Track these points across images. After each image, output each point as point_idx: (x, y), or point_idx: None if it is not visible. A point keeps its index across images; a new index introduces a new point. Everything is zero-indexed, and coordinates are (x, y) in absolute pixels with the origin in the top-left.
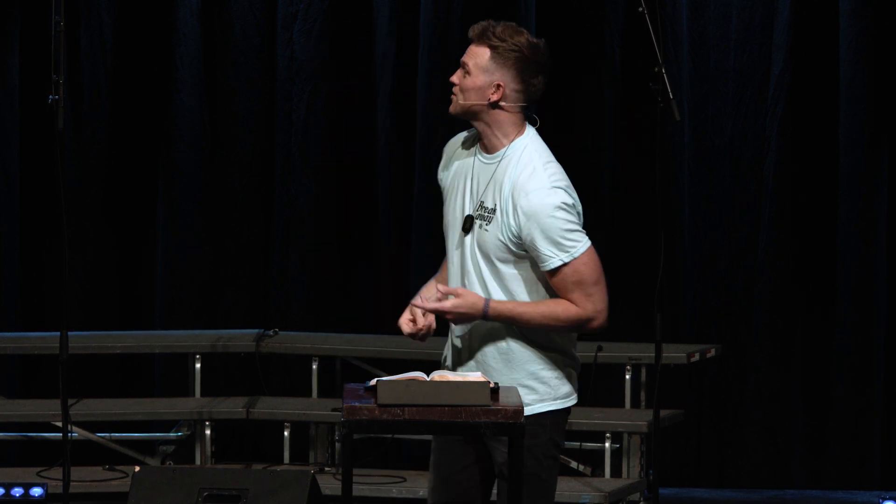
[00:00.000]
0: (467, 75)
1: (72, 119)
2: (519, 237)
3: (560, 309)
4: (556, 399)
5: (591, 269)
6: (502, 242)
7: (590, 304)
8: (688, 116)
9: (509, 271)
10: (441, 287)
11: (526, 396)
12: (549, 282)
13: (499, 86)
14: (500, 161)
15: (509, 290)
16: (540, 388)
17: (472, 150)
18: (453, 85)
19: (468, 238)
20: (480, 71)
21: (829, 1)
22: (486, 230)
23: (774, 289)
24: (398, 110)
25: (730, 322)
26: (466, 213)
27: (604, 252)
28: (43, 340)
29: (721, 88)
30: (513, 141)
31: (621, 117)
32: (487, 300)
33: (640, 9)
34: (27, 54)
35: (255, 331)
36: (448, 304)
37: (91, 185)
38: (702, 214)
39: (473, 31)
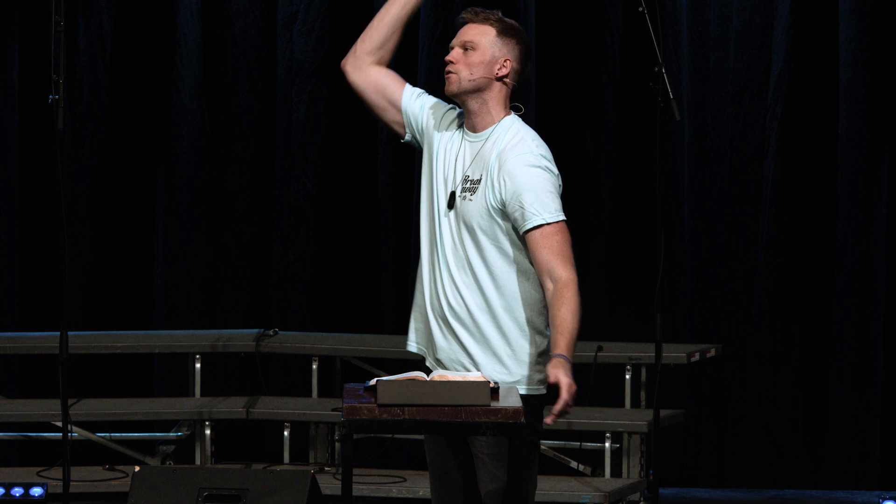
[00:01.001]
0: (472, 51)
1: (71, 119)
2: (503, 202)
3: (567, 294)
4: (533, 384)
5: (568, 238)
6: (486, 208)
7: (568, 267)
8: (688, 116)
9: (490, 246)
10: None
11: (501, 376)
12: (529, 244)
13: (506, 61)
14: (487, 138)
15: (488, 264)
16: (516, 369)
17: (459, 129)
18: (449, 65)
19: (452, 214)
20: (489, 45)
21: (829, 1)
22: (471, 200)
23: (774, 289)
24: None
25: (730, 322)
26: (450, 190)
27: (604, 252)
28: (43, 340)
29: (721, 88)
30: (501, 119)
31: (621, 117)
32: (559, 355)
33: (640, 9)
34: (27, 54)
35: (255, 331)
36: (564, 390)
37: (91, 185)
38: (702, 214)
39: (471, 12)
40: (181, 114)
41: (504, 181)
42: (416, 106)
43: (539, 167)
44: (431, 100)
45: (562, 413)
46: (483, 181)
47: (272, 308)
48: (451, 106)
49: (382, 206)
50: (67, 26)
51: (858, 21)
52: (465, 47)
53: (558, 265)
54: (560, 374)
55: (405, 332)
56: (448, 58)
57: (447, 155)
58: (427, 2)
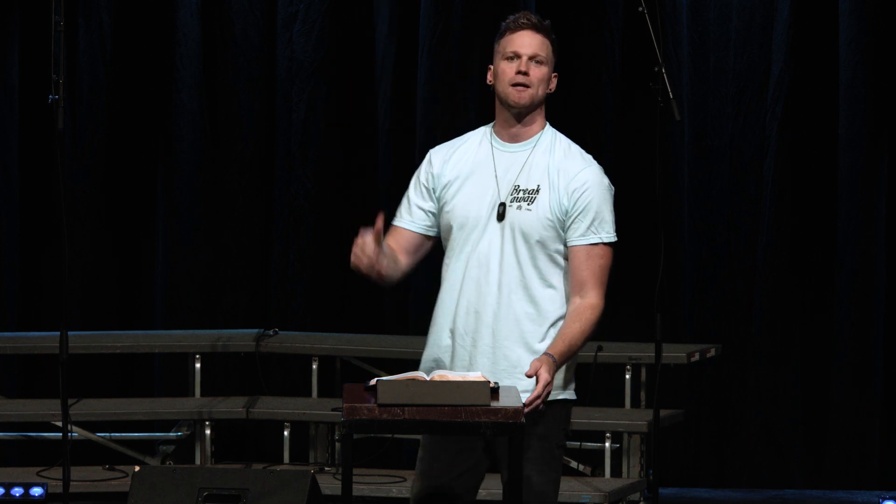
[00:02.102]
0: (541, 66)
1: (71, 119)
2: (565, 211)
3: (587, 315)
4: (570, 389)
5: (610, 264)
6: (549, 219)
7: (601, 293)
8: (688, 116)
9: (543, 255)
10: (528, 372)
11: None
12: (573, 256)
13: (555, 76)
14: (534, 146)
15: (542, 273)
16: (560, 374)
17: (478, 147)
18: (523, 77)
19: (501, 225)
20: (548, 61)
21: (829, 1)
22: (529, 210)
23: (774, 289)
24: (398, 110)
25: (730, 322)
26: (500, 201)
27: None
28: (43, 340)
29: (721, 88)
30: (544, 127)
31: (621, 117)
32: (550, 355)
33: (640, 9)
34: (27, 54)
35: (255, 331)
36: (541, 384)
37: (91, 185)
38: (702, 214)
39: (530, 20)
40: (181, 114)
41: (571, 191)
42: (429, 209)
43: (606, 184)
44: (420, 187)
45: (533, 408)
46: (544, 191)
47: (272, 308)
48: (453, 142)
49: (382, 206)
50: (67, 26)
51: (858, 21)
52: (536, 60)
53: (593, 288)
54: (542, 370)
55: (405, 332)
56: (523, 69)
57: (485, 171)
58: (427, 2)
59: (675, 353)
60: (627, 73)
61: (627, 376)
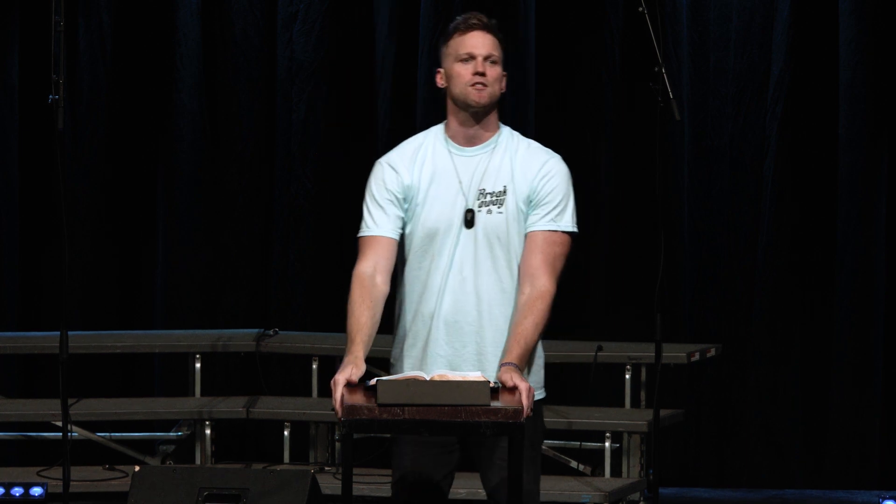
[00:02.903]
0: (495, 65)
1: (71, 119)
2: (529, 197)
3: (539, 307)
4: (542, 388)
5: (566, 253)
6: (522, 211)
7: (553, 279)
8: (688, 116)
9: (519, 250)
10: (506, 385)
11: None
12: (529, 242)
13: (505, 75)
14: (493, 147)
15: (513, 271)
16: (532, 374)
17: (433, 152)
18: (481, 77)
19: (471, 232)
20: (500, 61)
21: (829, 1)
22: (500, 212)
23: (774, 289)
24: (398, 110)
25: (730, 322)
26: (466, 207)
27: (604, 252)
28: (43, 340)
29: (721, 88)
30: (500, 128)
31: (621, 117)
32: (508, 363)
33: (640, 9)
34: (27, 54)
35: (255, 331)
36: (525, 394)
37: (91, 185)
38: (702, 214)
39: (481, 20)
40: (181, 114)
41: (535, 178)
42: (401, 216)
43: (568, 175)
44: (389, 195)
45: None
46: (510, 190)
47: (272, 308)
48: (403, 148)
49: None
50: (67, 26)
51: (858, 21)
52: (491, 60)
53: (545, 273)
54: (517, 379)
55: None
56: (480, 69)
57: (447, 180)
58: (427, 2)
59: (675, 353)
60: (627, 73)
61: (627, 376)
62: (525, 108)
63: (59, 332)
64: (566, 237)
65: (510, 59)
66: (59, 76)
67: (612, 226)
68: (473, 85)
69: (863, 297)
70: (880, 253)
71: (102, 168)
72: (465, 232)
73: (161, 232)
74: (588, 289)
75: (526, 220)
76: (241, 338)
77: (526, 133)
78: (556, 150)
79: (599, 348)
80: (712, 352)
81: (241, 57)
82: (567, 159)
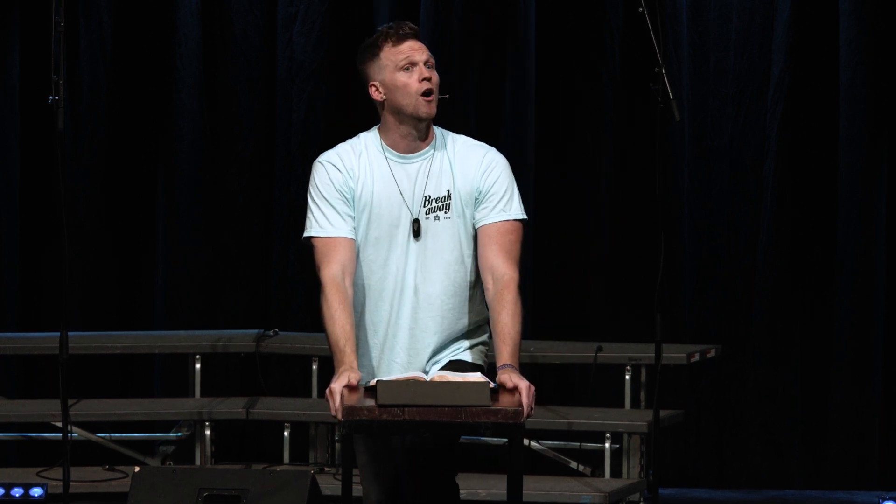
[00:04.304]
0: (433, 70)
1: (71, 119)
2: (474, 194)
3: (508, 299)
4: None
5: (521, 238)
6: (467, 211)
7: (515, 267)
8: (688, 116)
9: (472, 257)
10: (506, 387)
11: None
12: (483, 236)
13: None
14: (433, 153)
15: (469, 273)
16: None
17: (371, 160)
18: (430, 84)
19: (420, 242)
20: (435, 66)
21: (829, 1)
22: (448, 217)
23: (774, 289)
24: None
25: (730, 322)
26: (412, 218)
27: (604, 252)
28: (43, 341)
29: (721, 88)
30: (434, 132)
31: (621, 117)
32: (507, 365)
33: (640, 9)
34: (27, 54)
35: (255, 331)
36: (525, 393)
37: (91, 186)
38: (702, 215)
39: (413, 28)
40: (181, 114)
41: (478, 175)
42: (351, 211)
43: (507, 165)
44: (338, 194)
45: (527, 416)
46: (453, 194)
47: (272, 308)
48: (342, 150)
49: None
50: (67, 26)
51: (858, 21)
52: (430, 66)
53: (504, 263)
54: (516, 380)
55: None
56: (426, 75)
57: (388, 189)
58: (427, 2)
59: (675, 354)
60: (627, 73)
61: (627, 377)
62: (525, 108)
63: (59, 333)
64: (518, 224)
65: (510, 58)
66: (60, 76)
67: (612, 226)
68: (424, 94)
69: (863, 297)
70: (880, 253)
71: (102, 168)
72: (414, 242)
73: (161, 232)
74: (588, 289)
75: (473, 217)
76: (241, 338)
77: (526, 133)
78: (556, 150)
79: (599, 349)
80: (712, 352)
81: (241, 57)
82: (567, 159)
